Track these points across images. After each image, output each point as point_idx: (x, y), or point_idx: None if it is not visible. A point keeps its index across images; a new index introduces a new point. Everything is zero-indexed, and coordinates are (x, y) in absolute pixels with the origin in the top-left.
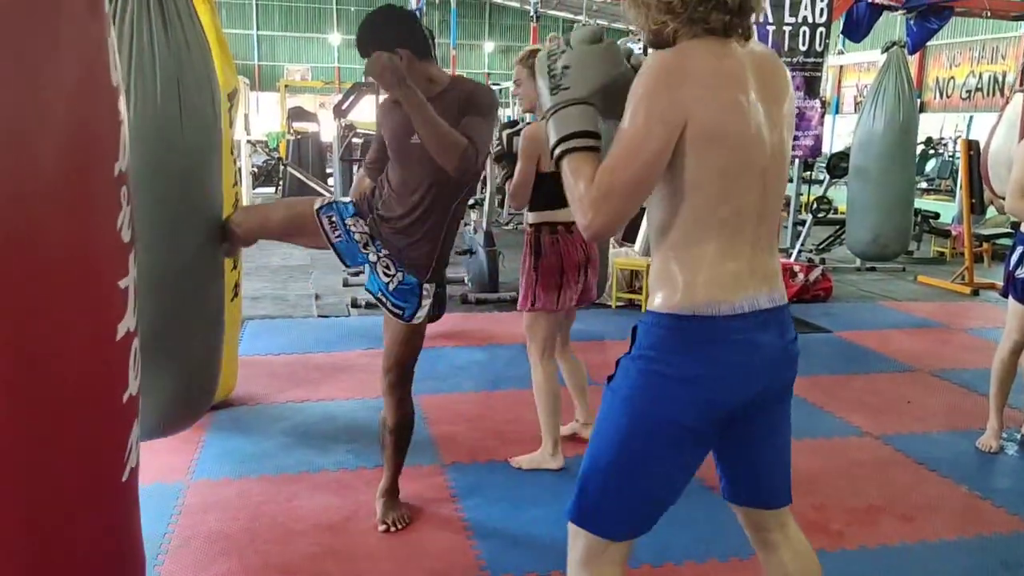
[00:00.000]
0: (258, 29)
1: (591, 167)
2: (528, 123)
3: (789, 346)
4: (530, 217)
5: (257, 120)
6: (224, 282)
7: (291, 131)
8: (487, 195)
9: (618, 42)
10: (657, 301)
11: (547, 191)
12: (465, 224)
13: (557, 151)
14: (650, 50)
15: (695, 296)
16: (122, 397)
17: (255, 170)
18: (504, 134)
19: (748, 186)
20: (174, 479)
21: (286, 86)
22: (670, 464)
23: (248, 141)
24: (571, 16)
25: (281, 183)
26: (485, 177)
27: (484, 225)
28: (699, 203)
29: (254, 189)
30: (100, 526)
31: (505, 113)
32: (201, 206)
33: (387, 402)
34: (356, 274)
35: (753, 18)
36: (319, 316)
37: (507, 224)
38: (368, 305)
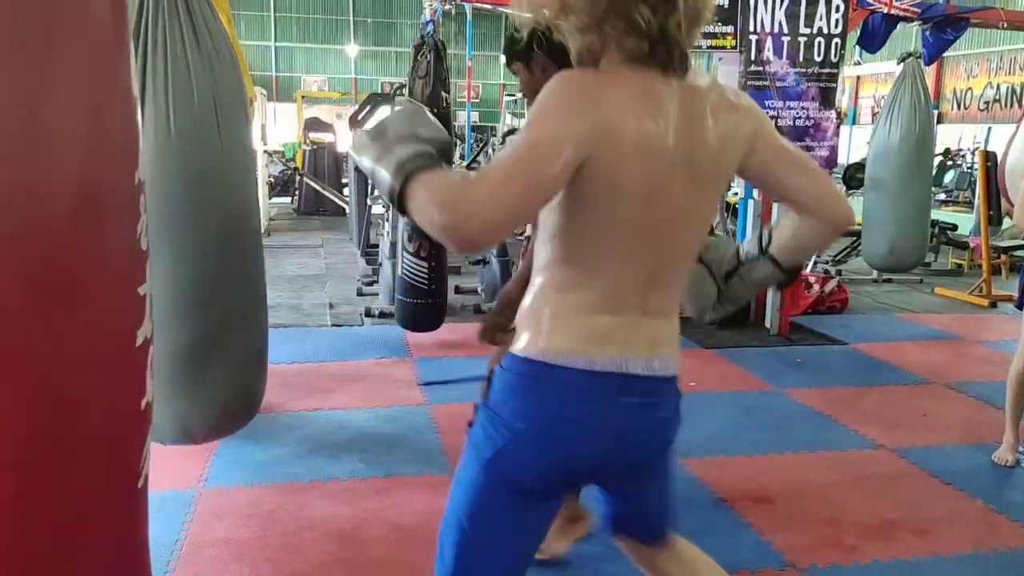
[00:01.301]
0: (276, 41)
1: (448, 176)
2: None
3: (659, 420)
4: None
5: (274, 131)
6: (265, 285)
7: (307, 141)
8: None
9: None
10: (520, 344)
11: None
12: None
13: (399, 183)
14: None
15: (559, 343)
16: (140, 404)
17: (272, 180)
18: (508, 140)
19: (641, 246)
20: (187, 486)
21: (303, 97)
22: (519, 518)
23: (265, 151)
24: None
25: (297, 193)
26: None
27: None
28: (586, 251)
29: (270, 199)
30: (117, 532)
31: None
32: (245, 213)
33: None
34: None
35: (786, 28)
36: (333, 325)
37: (520, 234)
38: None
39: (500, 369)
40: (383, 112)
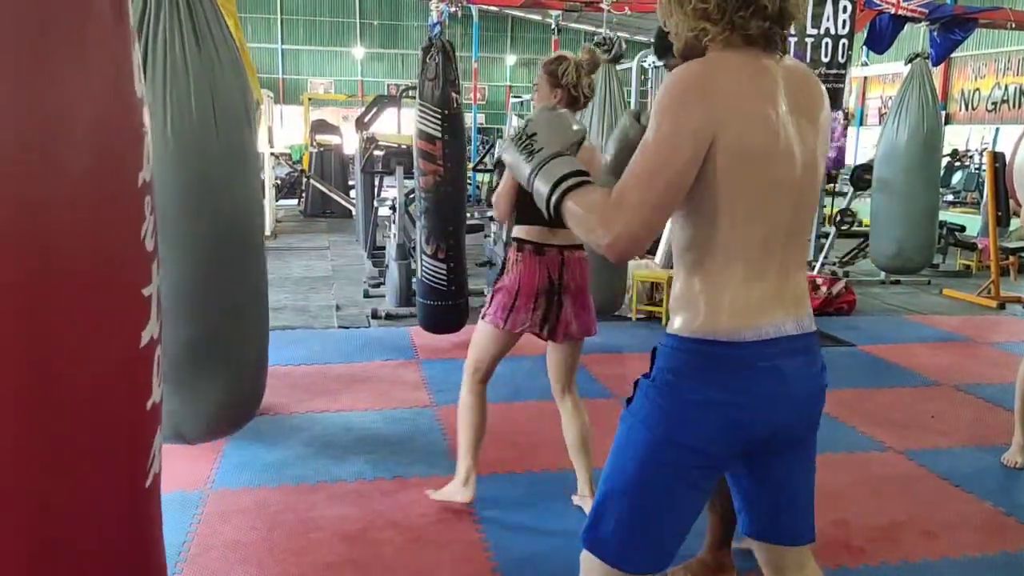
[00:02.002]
0: (282, 43)
1: (599, 192)
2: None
3: (817, 376)
4: (514, 231)
5: (281, 133)
6: (266, 288)
7: (314, 144)
8: None
9: (637, 62)
10: (678, 324)
11: (525, 205)
12: (485, 236)
13: (554, 198)
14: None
15: (718, 321)
16: (146, 404)
17: (278, 182)
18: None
19: (777, 205)
20: (194, 488)
21: (309, 99)
22: (687, 491)
23: (272, 153)
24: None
25: (304, 195)
26: None
27: (504, 237)
28: (726, 223)
29: (277, 201)
30: (124, 532)
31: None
32: (244, 215)
33: None
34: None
35: (793, 29)
36: (339, 327)
37: None
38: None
39: (665, 347)
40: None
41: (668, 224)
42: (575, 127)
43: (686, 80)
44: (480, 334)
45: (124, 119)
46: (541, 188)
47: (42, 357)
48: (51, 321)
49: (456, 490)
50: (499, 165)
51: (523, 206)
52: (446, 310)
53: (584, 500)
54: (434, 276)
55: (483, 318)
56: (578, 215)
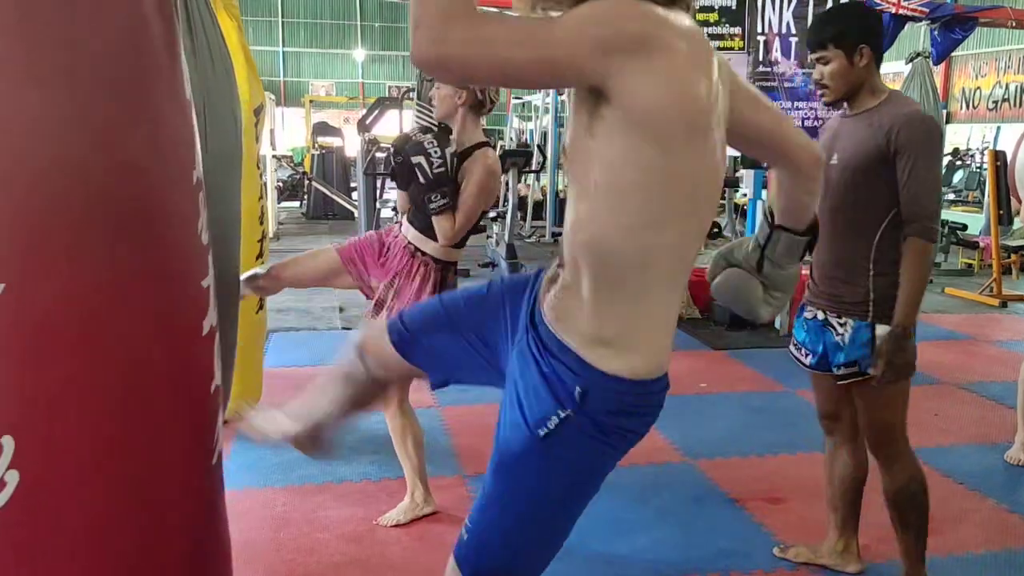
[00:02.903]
0: (284, 45)
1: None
2: (483, 147)
3: None
4: (441, 252)
5: (282, 135)
6: (238, 304)
7: (316, 146)
8: (509, 208)
9: None
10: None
11: (472, 229)
12: (488, 237)
13: None
14: None
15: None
16: (210, 387)
17: (280, 184)
18: (447, 153)
19: (704, 202)
20: None
21: (311, 101)
22: (580, 511)
23: (274, 156)
24: None
25: (306, 197)
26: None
27: (506, 238)
28: (635, 213)
29: (279, 203)
30: (198, 506)
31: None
32: (226, 223)
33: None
34: None
35: (795, 29)
36: (343, 328)
37: (529, 237)
38: None
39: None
40: None
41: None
42: None
43: (631, 5)
44: None
45: (177, 122)
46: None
47: (125, 345)
48: (126, 314)
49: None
50: (445, 183)
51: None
52: None
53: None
54: None
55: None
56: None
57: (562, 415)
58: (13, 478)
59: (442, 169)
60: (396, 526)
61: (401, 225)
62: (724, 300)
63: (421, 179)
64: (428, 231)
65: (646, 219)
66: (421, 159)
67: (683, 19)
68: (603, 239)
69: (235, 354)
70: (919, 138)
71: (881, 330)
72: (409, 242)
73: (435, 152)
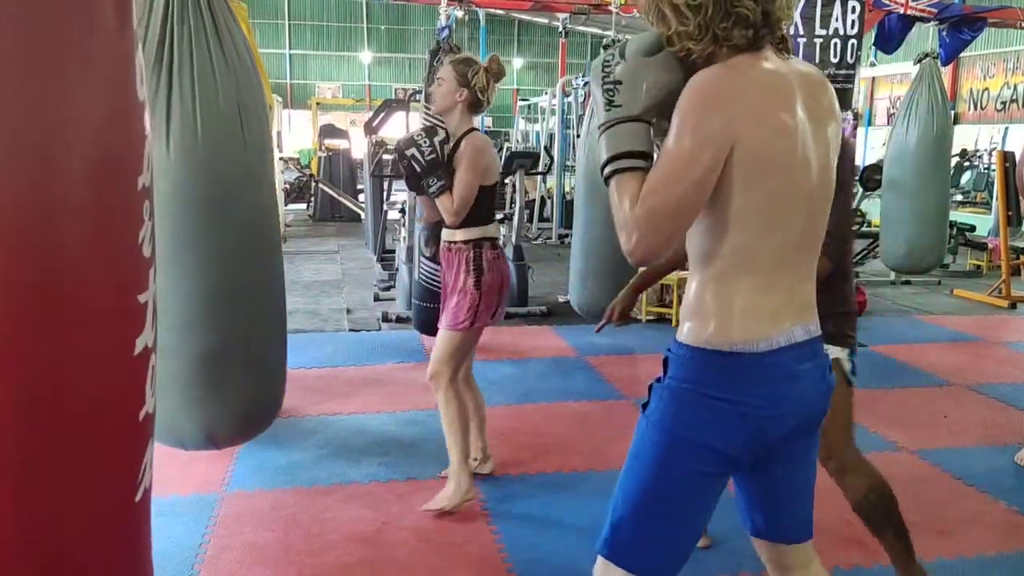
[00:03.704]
0: (290, 48)
1: (637, 187)
2: (471, 132)
3: (825, 378)
4: (463, 234)
5: (289, 137)
6: (284, 289)
7: (322, 148)
8: (516, 209)
9: None
10: (690, 333)
11: (485, 205)
12: None
13: (606, 171)
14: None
15: (731, 331)
16: (138, 414)
17: (287, 186)
18: (436, 142)
19: (794, 214)
20: (210, 490)
21: (318, 104)
22: (704, 493)
23: (281, 158)
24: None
25: (313, 199)
26: (515, 191)
27: (513, 239)
28: (741, 232)
29: (286, 205)
30: (112, 548)
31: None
32: (267, 217)
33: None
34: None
35: (785, 29)
36: (350, 330)
37: (536, 239)
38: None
39: (677, 356)
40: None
41: (687, 238)
42: (664, 80)
43: (705, 87)
44: (462, 344)
45: (125, 123)
46: (601, 152)
47: (33, 361)
48: (44, 325)
49: (461, 491)
50: (437, 169)
51: (487, 208)
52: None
53: (481, 465)
54: (432, 279)
55: (470, 327)
56: (614, 205)
57: (654, 383)
58: None
59: (433, 155)
60: (406, 528)
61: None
62: None
63: (416, 168)
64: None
65: (745, 234)
66: (412, 150)
67: (762, 63)
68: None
69: (285, 346)
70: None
71: (833, 351)
72: (444, 240)
73: (424, 142)
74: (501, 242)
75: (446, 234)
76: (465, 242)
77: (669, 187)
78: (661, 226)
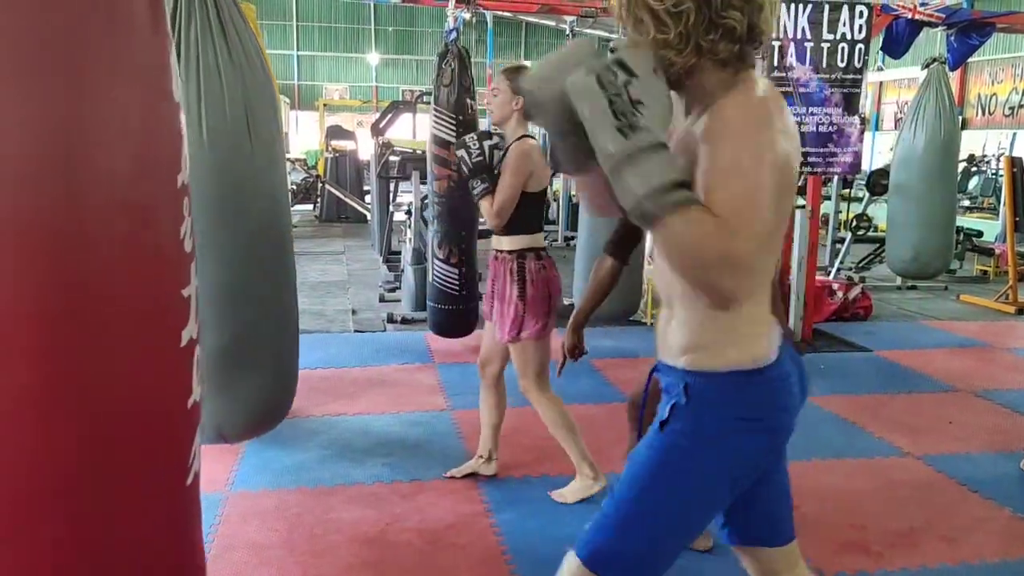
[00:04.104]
0: (298, 49)
1: (706, 214)
2: (522, 138)
3: (804, 374)
4: (509, 242)
5: (296, 138)
6: (296, 288)
7: (329, 149)
8: None
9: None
10: (705, 359)
11: (531, 213)
12: None
13: (652, 206)
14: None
15: (752, 350)
16: (186, 403)
17: (294, 187)
18: (486, 145)
19: (784, 229)
20: (214, 489)
21: (325, 105)
22: (711, 513)
23: (287, 159)
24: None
25: (319, 200)
26: None
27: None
28: (764, 255)
29: (293, 206)
30: (166, 530)
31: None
32: (276, 217)
33: None
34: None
35: (809, 34)
36: (355, 331)
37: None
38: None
39: (695, 383)
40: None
41: None
42: (670, 103)
43: (755, 115)
44: (526, 352)
45: (163, 123)
46: (633, 183)
47: (84, 357)
48: (94, 321)
49: (588, 486)
50: (483, 171)
51: (533, 217)
52: (457, 314)
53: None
54: (446, 280)
55: (517, 337)
56: (687, 240)
57: (671, 404)
58: None
59: (480, 158)
60: (409, 528)
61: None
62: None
63: (464, 169)
64: (498, 231)
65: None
66: (462, 151)
67: (763, 80)
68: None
69: (298, 343)
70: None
71: None
72: (492, 248)
73: (474, 144)
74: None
75: (493, 241)
76: (510, 252)
77: (758, 198)
78: (762, 240)
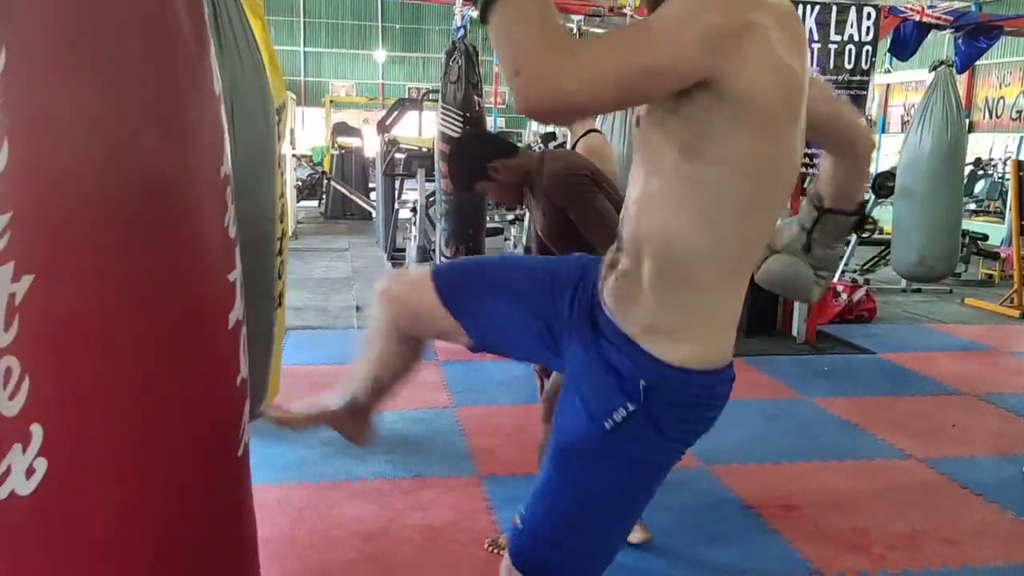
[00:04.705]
0: (305, 45)
1: (552, 17)
2: (588, 133)
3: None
4: None
5: (302, 135)
6: (273, 300)
7: (335, 146)
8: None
9: None
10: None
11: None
12: (505, 239)
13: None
14: None
15: (699, 349)
16: (236, 380)
17: (299, 183)
18: (550, 147)
19: (783, 187)
20: None
21: (331, 101)
22: (635, 512)
23: (293, 155)
24: None
25: (325, 197)
26: None
27: (524, 240)
28: (726, 206)
29: (298, 203)
30: (222, 498)
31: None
32: (255, 217)
33: None
34: None
35: (816, 36)
36: (360, 328)
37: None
38: None
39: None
40: None
41: None
42: None
43: None
44: None
45: (206, 117)
46: None
47: (144, 342)
48: (152, 309)
49: None
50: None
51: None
52: None
53: None
54: None
55: None
56: (506, 37)
57: (629, 408)
58: (41, 466)
59: None
60: (411, 525)
61: None
62: (773, 286)
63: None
64: None
65: (727, 211)
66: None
67: None
68: (675, 233)
69: (271, 347)
70: (563, 192)
71: None
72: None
73: (539, 148)
74: (512, 243)
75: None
76: None
77: (633, 50)
78: (594, 81)
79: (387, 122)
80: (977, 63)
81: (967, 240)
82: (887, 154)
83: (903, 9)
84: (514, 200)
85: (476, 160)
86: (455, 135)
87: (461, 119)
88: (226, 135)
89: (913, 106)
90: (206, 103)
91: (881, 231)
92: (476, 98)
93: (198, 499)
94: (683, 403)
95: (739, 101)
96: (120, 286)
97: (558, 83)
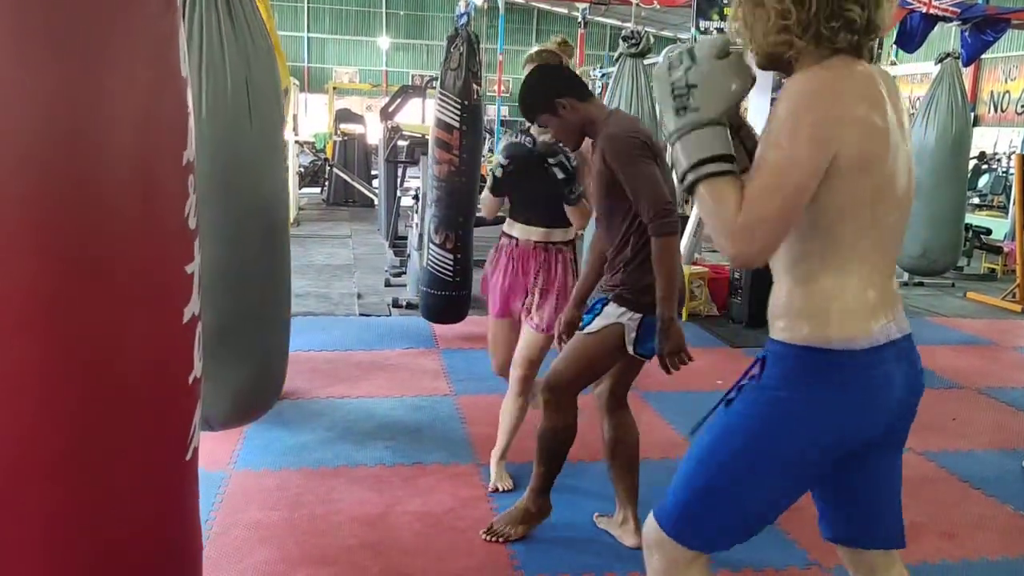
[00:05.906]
0: (308, 31)
1: (735, 193)
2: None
3: (919, 377)
4: (563, 233)
5: (305, 121)
6: (290, 276)
7: (338, 132)
8: None
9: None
10: (788, 331)
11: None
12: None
13: (691, 177)
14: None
15: (830, 328)
16: (187, 379)
17: (301, 170)
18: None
19: (889, 213)
20: (216, 468)
21: (334, 88)
22: (781, 491)
23: (296, 141)
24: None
25: (327, 183)
26: None
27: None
28: (843, 232)
29: (300, 189)
30: (164, 504)
31: None
32: (271, 201)
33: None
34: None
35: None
36: (361, 315)
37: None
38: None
39: (776, 355)
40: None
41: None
42: (737, 83)
43: (809, 89)
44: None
45: (169, 99)
46: (680, 158)
47: (87, 332)
48: (97, 296)
49: None
50: (576, 177)
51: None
52: (449, 300)
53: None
54: (441, 265)
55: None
56: (708, 211)
57: (751, 373)
58: None
59: (576, 165)
60: (410, 511)
61: (510, 237)
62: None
63: (561, 174)
64: (555, 223)
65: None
66: (560, 157)
67: (856, 65)
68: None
69: (288, 332)
70: (617, 152)
71: (612, 308)
72: (538, 241)
73: (566, 151)
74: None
75: (541, 235)
76: (565, 243)
77: (772, 195)
78: (769, 232)
79: (390, 109)
80: (983, 57)
81: (970, 234)
82: None
83: (910, 1)
84: (571, 142)
85: (549, 90)
86: (454, 123)
87: (459, 107)
88: (191, 119)
89: (918, 98)
90: (170, 85)
91: None
92: (475, 86)
93: (137, 503)
94: (798, 378)
95: (837, 168)
96: (60, 272)
97: (750, 254)
